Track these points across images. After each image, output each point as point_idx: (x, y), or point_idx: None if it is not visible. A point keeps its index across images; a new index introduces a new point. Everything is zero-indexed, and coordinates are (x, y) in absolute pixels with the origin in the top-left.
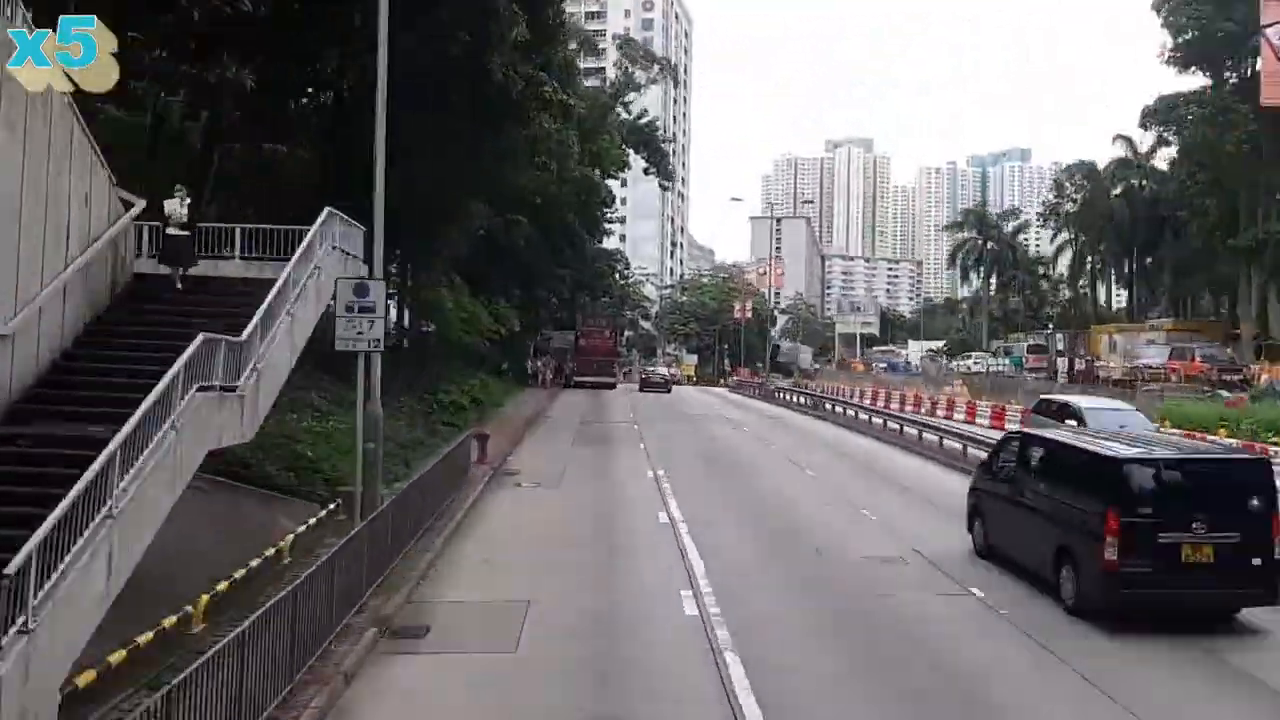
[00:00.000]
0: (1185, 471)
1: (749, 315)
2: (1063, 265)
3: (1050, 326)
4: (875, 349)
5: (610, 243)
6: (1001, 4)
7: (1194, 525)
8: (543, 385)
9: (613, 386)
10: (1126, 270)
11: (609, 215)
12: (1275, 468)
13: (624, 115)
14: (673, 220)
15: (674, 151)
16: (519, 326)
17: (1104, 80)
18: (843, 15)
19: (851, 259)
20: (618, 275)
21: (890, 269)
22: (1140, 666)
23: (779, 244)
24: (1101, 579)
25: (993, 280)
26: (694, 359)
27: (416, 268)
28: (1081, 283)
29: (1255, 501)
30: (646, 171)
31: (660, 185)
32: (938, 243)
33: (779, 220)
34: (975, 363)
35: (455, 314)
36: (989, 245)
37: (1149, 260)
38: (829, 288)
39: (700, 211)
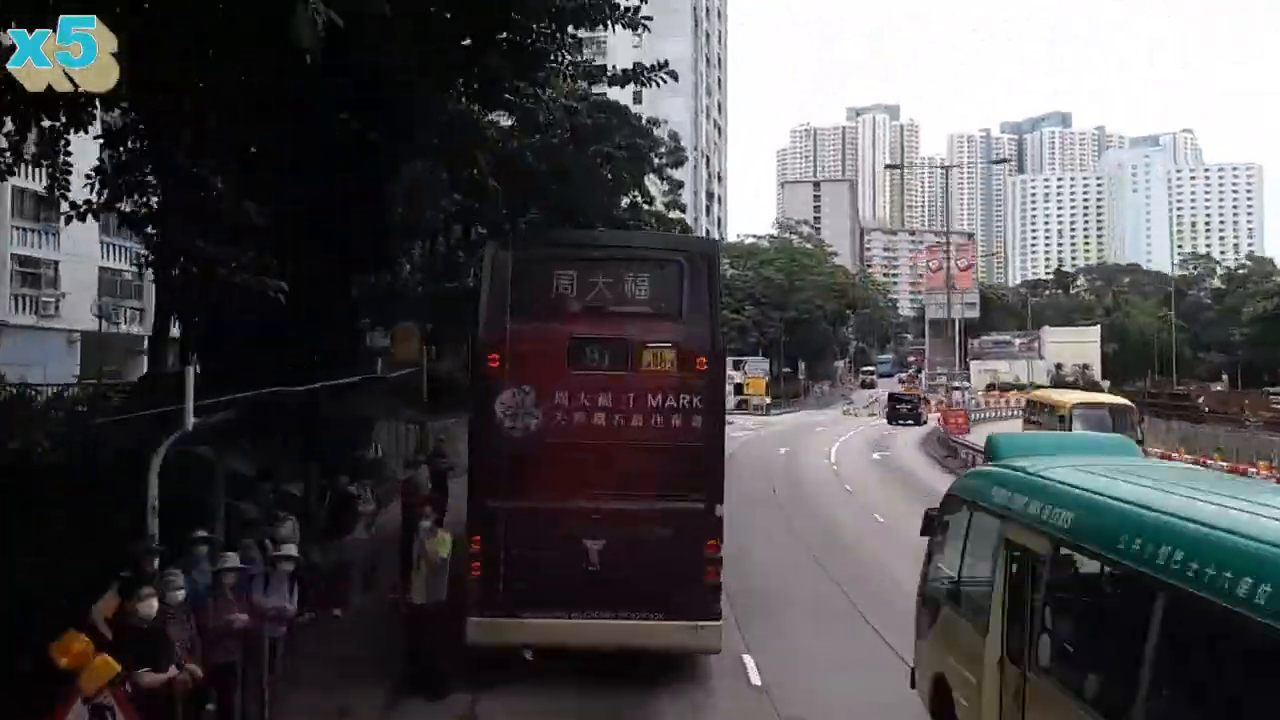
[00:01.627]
0: (900, 397)
1: (969, 278)
2: None
3: None
4: (985, 339)
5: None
6: None
7: (901, 407)
8: None
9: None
10: None
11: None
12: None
13: None
14: (709, 160)
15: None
16: None
17: (1128, 43)
18: None
19: (893, 232)
20: (658, 182)
21: (937, 242)
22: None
23: (818, 211)
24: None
25: None
26: (764, 367)
27: None
28: None
29: (914, 400)
30: None
31: None
32: (971, 216)
33: (817, 185)
34: None
35: None
36: None
37: None
38: (868, 266)
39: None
